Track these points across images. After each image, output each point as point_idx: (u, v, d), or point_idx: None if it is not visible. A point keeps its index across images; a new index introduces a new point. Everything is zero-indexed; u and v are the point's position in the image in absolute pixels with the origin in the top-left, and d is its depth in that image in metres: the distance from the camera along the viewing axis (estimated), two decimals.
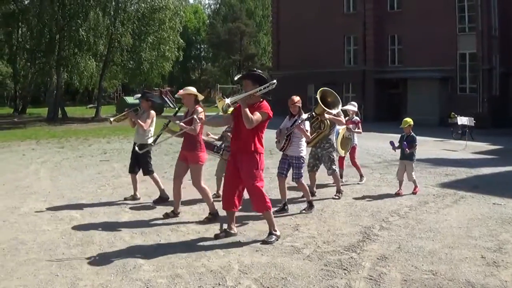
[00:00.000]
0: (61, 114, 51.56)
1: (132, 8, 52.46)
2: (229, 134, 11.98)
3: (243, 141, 9.09)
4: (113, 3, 50.22)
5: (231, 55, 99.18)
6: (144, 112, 12.70)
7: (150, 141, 12.65)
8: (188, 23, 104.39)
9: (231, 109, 8.93)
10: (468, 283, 7.14)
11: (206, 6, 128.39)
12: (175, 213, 11.08)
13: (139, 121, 12.31)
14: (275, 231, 9.25)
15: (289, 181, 11.82)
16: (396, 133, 15.39)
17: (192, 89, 11.03)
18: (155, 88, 74.00)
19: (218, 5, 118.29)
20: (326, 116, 12.55)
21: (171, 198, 11.92)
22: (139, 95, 13.07)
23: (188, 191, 11.74)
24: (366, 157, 20.00)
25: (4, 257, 8.50)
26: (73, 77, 55.00)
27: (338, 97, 12.93)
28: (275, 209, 10.89)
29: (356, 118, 15.32)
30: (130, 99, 53.38)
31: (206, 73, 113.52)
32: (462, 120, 30.16)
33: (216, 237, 9.42)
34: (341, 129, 14.17)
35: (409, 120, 13.73)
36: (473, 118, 30.28)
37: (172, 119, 11.20)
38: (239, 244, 9.06)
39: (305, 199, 11.78)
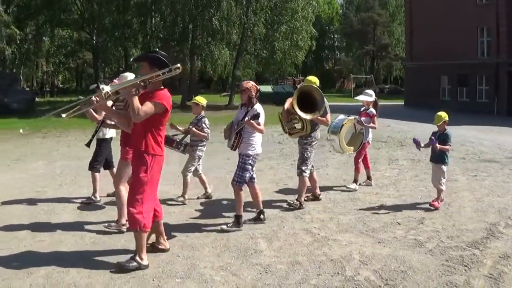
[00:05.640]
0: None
1: None
2: (194, 129, 11.47)
3: (134, 139, 7.69)
4: None
5: (364, 45, 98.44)
6: None
7: (110, 135, 11.76)
8: (322, 13, 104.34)
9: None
10: None
11: None
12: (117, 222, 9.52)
13: (92, 112, 10.30)
14: (141, 259, 7.48)
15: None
16: None
17: (128, 77, 9.15)
18: (288, 77, 74.23)
19: None
20: (308, 117, 10.76)
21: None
22: (94, 85, 11.47)
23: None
24: (497, 151, 19.47)
25: (128, 236, 8.84)
26: (206, 66, 55.97)
27: (323, 95, 10.89)
28: (250, 217, 9.89)
29: (372, 111, 13.19)
30: (263, 88, 54.14)
31: (340, 63, 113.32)
32: None
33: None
34: (346, 120, 12.44)
35: (443, 115, 11.07)
36: None
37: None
38: (361, 235, 9.05)
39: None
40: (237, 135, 9.53)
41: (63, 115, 7.61)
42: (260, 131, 9.54)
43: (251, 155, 9.55)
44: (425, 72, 52.60)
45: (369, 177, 13.57)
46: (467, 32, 48.73)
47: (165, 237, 8.27)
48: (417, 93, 54.06)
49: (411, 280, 6.97)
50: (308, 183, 11.32)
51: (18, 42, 57.46)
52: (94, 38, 60.86)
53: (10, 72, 55.33)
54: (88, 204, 11.58)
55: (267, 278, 7.05)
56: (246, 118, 9.36)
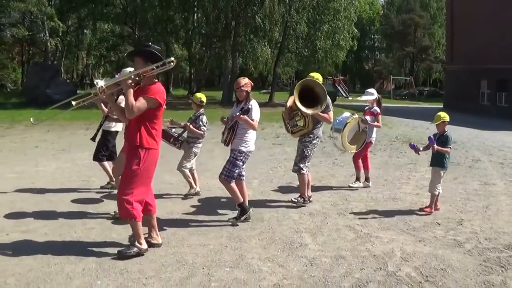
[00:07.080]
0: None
1: None
2: (191, 126, 11.48)
3: (130, 133, 7.81)
4: None
5: (404, 47, 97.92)
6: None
7: (116, 128, 11.97)
8: (363, 13, 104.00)
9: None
10: None
11: None
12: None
13: (102, 106, 10.83)
14: (140, 243, 7.71)
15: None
16: None
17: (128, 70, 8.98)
18: (329, 77, 74.14)
19: None
20: (309, 112, 10.62)
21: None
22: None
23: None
24: None
25: (176, 227, 9.17)
26: (248, 63, 56.08)
27: (325, 90, 10.75)
28: (235, 216, 9.72)
29: (376, 109, 13.05)
30: None
31: (380, 64, 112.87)
32: None
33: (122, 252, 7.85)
34: (350, 118, 12.44)
35: (443, 115, 10.68)
36: None
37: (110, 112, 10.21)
38: (402, 233, 9.18)
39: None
40: (230, 131, 9.56)
41: (73, 103, 7.80)
42: (252, 127, 9.49)
43: (244, 152, 9.53)
44: (465, 76, 52.08)
45: (367, 179, 13.31)
46: (508, 36, 48.02)
47: (158, 232, 8.23)
48: (456, 96, 53.43)
49: (450, 278, 7.10)
50: (309, 179, 11.31)
51: (60, 34, 58.24)
52: (136, 32, 61.51)
53: (52, 64, 55.89)
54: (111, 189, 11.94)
55: (313, 270, 7.23)
56: (238, 113, 9.42)
